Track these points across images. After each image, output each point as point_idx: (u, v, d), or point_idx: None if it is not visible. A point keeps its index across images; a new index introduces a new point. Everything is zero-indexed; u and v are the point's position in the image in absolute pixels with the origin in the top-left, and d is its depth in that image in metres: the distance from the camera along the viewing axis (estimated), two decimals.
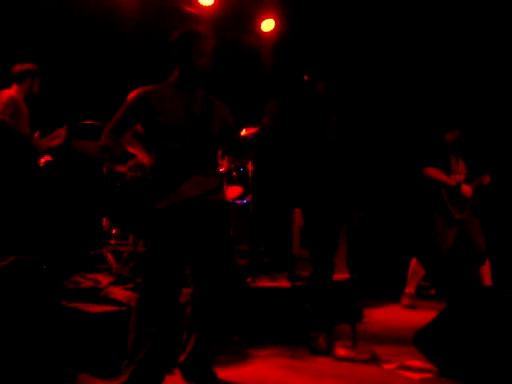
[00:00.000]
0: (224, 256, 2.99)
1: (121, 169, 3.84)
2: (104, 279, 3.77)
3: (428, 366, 3.33)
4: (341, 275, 4.91)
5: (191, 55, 2.93)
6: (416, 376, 3.22)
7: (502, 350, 2.98)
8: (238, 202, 4.87)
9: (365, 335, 4.10)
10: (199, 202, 2.87)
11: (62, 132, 4.69)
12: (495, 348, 3.01)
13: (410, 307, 5.38)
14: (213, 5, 6.38)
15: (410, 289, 5.48)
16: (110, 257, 4.30)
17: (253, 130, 4.65)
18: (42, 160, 4.58)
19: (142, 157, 2.86)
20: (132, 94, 2.98)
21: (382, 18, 6.31)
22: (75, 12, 5.43)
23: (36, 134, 4.71)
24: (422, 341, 3.31)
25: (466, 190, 5.24)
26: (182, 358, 3.10)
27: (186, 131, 2.90)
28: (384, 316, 5.09)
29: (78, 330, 3.29)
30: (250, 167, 5.11)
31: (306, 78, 3.99)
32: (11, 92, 4.57)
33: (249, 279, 4.69)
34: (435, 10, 6.11)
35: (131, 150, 3.00)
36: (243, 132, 4.88)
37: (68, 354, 3.24)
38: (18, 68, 4.64)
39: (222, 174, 4.62)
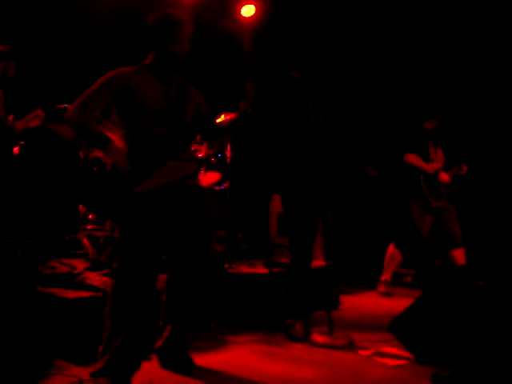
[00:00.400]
0: (199, 242, 2.98)
1: (97, 153, 3.78)
2: (80, 265, 3.72)
3: (404, 352, 3.37)
4: (317, 262, 4.93)
5: (168, 41, 2.88)
6: (391, 362, 3.26)
7: (475, 336, 3.02)
8: (216, 187, 4.85)
9: (342, 322, 4.13)
10: (175, 186, 2.84)
11: (40, 113, 4.61)
12: (469, 334, 3.06)
13: (386, 294, 5.43)
14: None
15: (386, 276, 5.53)
16: (86, 242, 4.25)
17: (231, 116, 4.63)
18: (16, 147, 4.49)
19: (117, 140, 2.80)
20: (111, 72, 2.90)
21: (365, 3, 6.29)
22: None
23: (10, 117, 4.62)
24: (398, 328, 3.34)
25: (444, 177, 5.29)
26: (159, 344, 3.10)
27: (162, 116, 2.86)
28: (361, 303, 5.14)
29: (54, 316, 3.26)
30: (228, 153, 5.08)
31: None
32: None
33: (226, 265, 4.68)
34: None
35: (107, 133, 2.94)
36: (222, 117, 4.84)
37: (44, 340, 3.22)
38: None
39: (200, 159, 4.59)
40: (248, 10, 6.93)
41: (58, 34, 5.48)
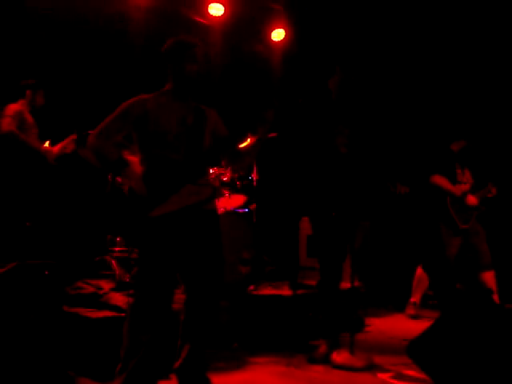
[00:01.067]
0: (213, 264, 3.04)
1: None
2: (106, 285, 3.86)
3: (423, 375, 3.34)
4: (343, 284, 4.94)
5: (182, 65, 2.99)
6: None
7: (495, 360, 2.99)
8: (240, 210, 4.93)
9: (365, 344, 4.14)
10: (191, 211, 2.93)
11: (74, 138, 4.87)
12: (488, 358, 3.02)
13: (415, 317, 5.38)
14: (223, 15, 6.48)
15: (414, 298, 5.48)
16: (113, 263, 4.39)
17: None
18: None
19: (137, 165, 2.91)
20: (130, 100, 3.01)
21: (391, 27, 6.33)
22: (86, 24, 5.56)
23: (47, 143, 4.88)
24: (415, 350, 3.32)
25: (471, 200, 5.23)
26: (177, 363, 3.16)
27: (179, 141, 2.95)
28: (387, 325, 5.10)
29: (79, 335, 3.38)
30: (254, 176, 5.17)
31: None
32: (16, 105, 4.78)
33: (251, 287, 4.74)
34: (446, 23, 6.12)
35: (129, 157, 3.07)
36: (248, 141, 4.94)
37: (68, 358, 3.34)
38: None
39: (225, 183, 4.69)
40: (278, 35, 7.07)
41: (92, 61, 5.71)
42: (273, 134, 5.00)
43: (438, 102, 6.29)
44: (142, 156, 2.98)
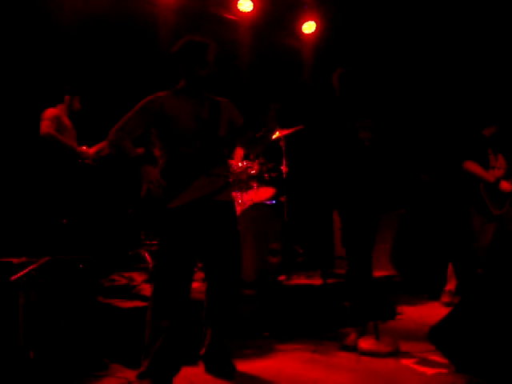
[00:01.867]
0: (230, 251, 3.16)
1: None
2: (138, 277, 4.04)
3: (446, 361, 3.37)
4: (378, 272, 4.97)
5: (193, 65, 3.11)
6: (430, 371, 3.28)
7: None
8: (268, 202, 5.03)
9: (394, 331, 4.18)
10: (206, 200, 3.06)
11: None
12: (508, 343, 3.03)
13: (449, 304, 5.33)
14: (252, 10, 6.56)
15: (449, 286, 5.45)
16: (147, 256, 4.58)
17: (287, 132, 4.84)
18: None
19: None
20: (147, 98, 3.16)
21: (417, 19, 6.29)
22: (115, 28, 5.75)
23: (84, 148, 5.11)
24: (437, 336, 3.34)
25: (505, 185, 5.17)
26: (203, 350, 3.31)
27: (195, 135, 3.09)
28: (420, 313, 5.10)
29: (112, 324, 3.57)
30: (284, 168, 5.26)
31: None
32: (54, 110, 5.04)
33: (283, 277, 4.84)
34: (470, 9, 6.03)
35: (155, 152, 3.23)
36: (277, 134, 5.04)
37: (103, 345, 3.53)
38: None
39: (253, 176, 4.80)
40: (309, 27, 7.11)
41: (126, 64, 5.90)
42: (299, 127, 5.09)
43: (468, 87, 6.19)
44: (160, 151, 3.13)
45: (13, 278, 3.27)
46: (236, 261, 3.18)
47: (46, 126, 4.82)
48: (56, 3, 5.40)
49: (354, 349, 3.81)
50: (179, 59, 3.16)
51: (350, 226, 4.01)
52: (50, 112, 4.96)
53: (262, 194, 4.97)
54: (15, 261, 3.51)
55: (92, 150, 5.14)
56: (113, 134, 3.06)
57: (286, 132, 5.18)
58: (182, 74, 3.21)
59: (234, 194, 4.69)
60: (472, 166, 5.19)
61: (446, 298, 5.43)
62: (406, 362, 3.49)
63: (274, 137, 4.73)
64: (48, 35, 5.46)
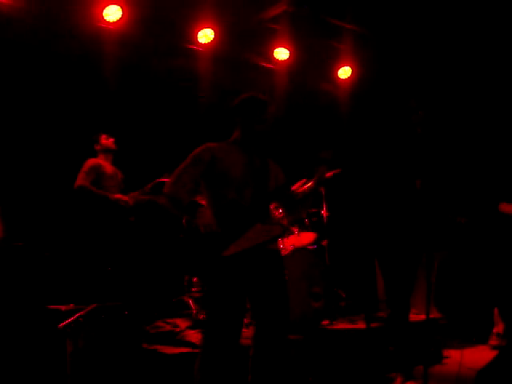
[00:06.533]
0: (280, 300, 3.17)
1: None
2: (182, 323, 4.08)
3: None
4: (419, 316, 4.91)
5: (251, 121, 3.21)
6: None
7: None
8: (310, 247, 5.04)
9: (441, 376, 4.09)
10: (260, 249, 3.10)
11: (149, 187, 5.23)
12: None
13: (498, 348, 5.19)
14: (288, 58, 6.71)
15: (497, 328, 5.30)
16: (190, 302, 4.63)
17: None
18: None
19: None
20: (198, 148, 3.24)
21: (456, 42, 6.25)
22: (156, 80, 5.97)
23: (119, 195, 5.22)
24: (484, 380, 3.27)
25: None
26: None
27: (246, 184, 3.15)
28: (467, 357, 4.94)
29: (157, 370, 3.60)
30: (324, 213, 5.29)
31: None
32: (94, 160, 5.23)
33: (326, 321, 4.81)
34: None
35: (200, 201, 3.30)
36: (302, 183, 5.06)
37: None
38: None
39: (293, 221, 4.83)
40: (345, 72, 7.22)
41: (162, 111, 6.09)
42: (336, 171, 5.12)
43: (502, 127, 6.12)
44: (210, 200, 3.20)
45: (61, 325, 3.36)
46: (285, 309, 3.18)
47: (80, 179, 4.99)
48: (106, 57, 5.61)
49: None
50: (239, 112, 3.26)
51: (389, 269, 3.98)
52: (89, 163, 5.13)
53: (304, 238, 5.00)
54: (63, 308, 3.62)
55: (136, 196, 5.24)
56: (169, 186, 3.13)
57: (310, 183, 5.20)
58: (237, 126, 3.30)
59: None
60: (508, 208, 5.10)
61: (493, 341, 5.28)
62: None
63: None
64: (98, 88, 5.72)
